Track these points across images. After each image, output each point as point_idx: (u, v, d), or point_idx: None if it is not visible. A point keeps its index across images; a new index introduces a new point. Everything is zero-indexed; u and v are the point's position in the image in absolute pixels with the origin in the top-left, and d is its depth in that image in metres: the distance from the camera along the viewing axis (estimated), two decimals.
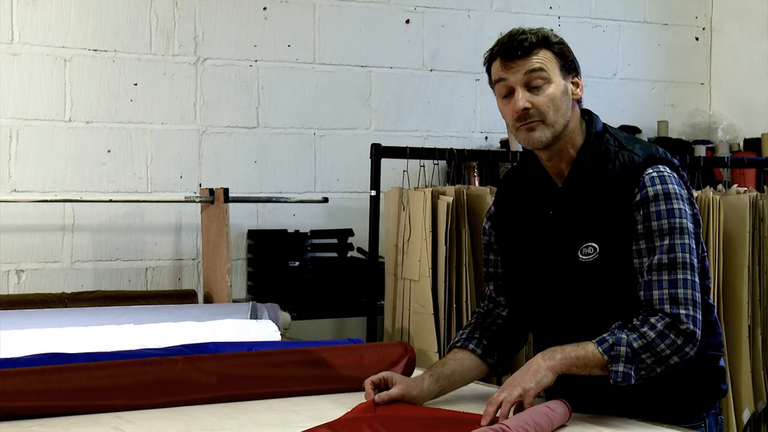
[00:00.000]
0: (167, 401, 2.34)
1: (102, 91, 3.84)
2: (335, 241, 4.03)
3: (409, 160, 3.60)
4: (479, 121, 4.50)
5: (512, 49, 2.22)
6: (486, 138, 4.51)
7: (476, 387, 2.49)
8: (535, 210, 2.31)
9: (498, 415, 2.10)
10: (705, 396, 2.28)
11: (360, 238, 3.95)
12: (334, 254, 4.02)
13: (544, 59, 2.21)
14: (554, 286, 2.28)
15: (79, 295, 3.50)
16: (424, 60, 4.40)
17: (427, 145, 4.10)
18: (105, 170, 3.85)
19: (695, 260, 2.18)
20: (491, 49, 2.27)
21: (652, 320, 2.13)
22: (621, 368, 2.11)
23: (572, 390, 2.23)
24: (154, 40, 3.91)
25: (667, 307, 2.13)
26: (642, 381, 2.13)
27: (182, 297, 3.63)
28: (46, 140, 3.76)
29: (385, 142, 3.69)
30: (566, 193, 2.26)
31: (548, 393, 2.30)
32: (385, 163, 3.61)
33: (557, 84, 2.21)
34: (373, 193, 3.57)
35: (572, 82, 2.25)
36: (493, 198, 2.49)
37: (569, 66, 2.24)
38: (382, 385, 2.31)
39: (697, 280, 2.18)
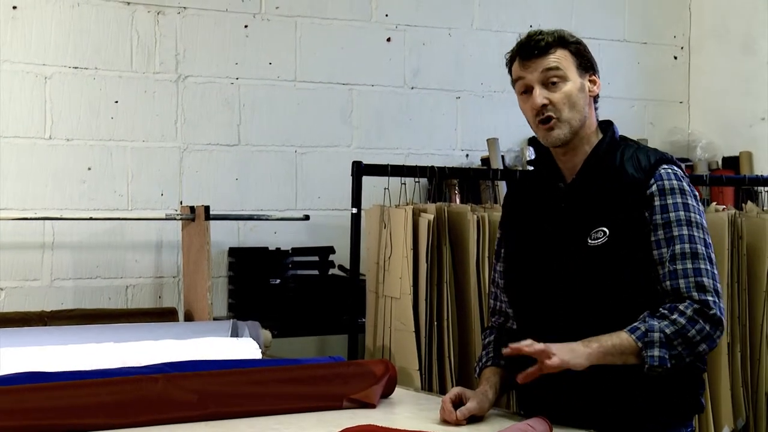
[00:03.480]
0: (148, 420, 2.33)
1: (83, 108, 3.83)
2: (316, 258, 4.03)
3: (391, 177, 3.60)
4: (460, 139, 4.52)
5: (530, 49, 2.31)
6: (467, 156, 4.52)
7: None
8: (546, 204, 2.38)
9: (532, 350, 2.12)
10: (686, 409, 2.30)
11: (341, 256, 3.95)
12: (316, 272, 4.02)
13: (560, 58, 2.30)
14: (560, 274, 2.30)
15: (59, 314, 3.48)
16: (405, 78, 4.41)
17: (408, 163, 4.09)
18: (85, 188, 3.84)
19: (712, 254, 2.26)
20: (511, 50, 2.37)
21: (681, 307, 2.18)
22: (656, 353, 2.15)
23: (554, 405, 2.24)
24: (135, 58, 3.91)
25: (695, 294, 2.19)
26: (672, 369, 2.17)
27: (163, 315, 3.61)
28: (26, 157, 3.74)
29: (367, 160, 3.69)
30: (578, 183, 2.32)
31: (529, 409, 2.31)
32: (367, 180, 3.61)
33: (574, 81, 2.31)
34: (355, 210, 3.58)
35: (589, 80, 2.35)
36: (502, 204, 2.58)
37: (586, 64, 2.34)
38: (457, 401, 2.32)
39: (717, 272, 2.25)
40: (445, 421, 2.29)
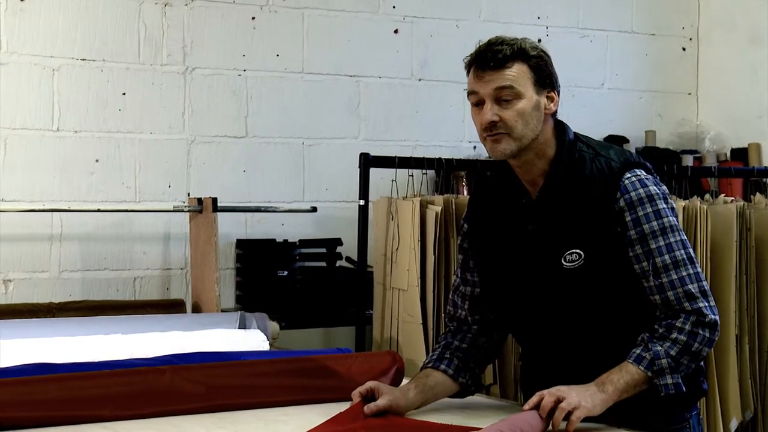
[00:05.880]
0: (155, 411, 2.34)
1: (90, 100, 3.83)
2: (324, 250, 4.03)
3: (398, 169, 3.61)
4: (468, 131, 4.51)
5: (486, 60, 2.21)
6: (474, 147, 4.52)
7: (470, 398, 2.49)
8: (512, 221, 2.32)
9: (547, 416, 2.08)
10: (689, 396, 2.30)
11: (349, 248, 3.95)
12: (323, 264, 4.02)
13: (516, 73, 2.20)
14: (538, 295, 2.28)
15: (67, 305, 3.49)
16: (412, 70, 4.41)
17: (415, 155, 4.10)
18: (93, 180, 3.84)
19: (691, 251, 2.23)
20: (470, 55, 2.26)
21: (678, 323, 2.17)
22: (669, 380, 2.15)
23: None
24: (142, 50, 3.91)
25: (686, 305, 2.18)
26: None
27: (170, 306, 3.62)
28: (35, 149, 3.75)
29: (374, 152, 3.69)
30: (543, 202, 2.27)
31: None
32: (374, 172, 3.61)
33: (529, 99, 2.20)
34: (362, 202, 3.58)
35: (547, 97, 2.24)
36: (465, 215, 2.47)
37: (544, 80, 2.23)
38: (369, 395, 2.30)
39: (699, 270, 2.23)
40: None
